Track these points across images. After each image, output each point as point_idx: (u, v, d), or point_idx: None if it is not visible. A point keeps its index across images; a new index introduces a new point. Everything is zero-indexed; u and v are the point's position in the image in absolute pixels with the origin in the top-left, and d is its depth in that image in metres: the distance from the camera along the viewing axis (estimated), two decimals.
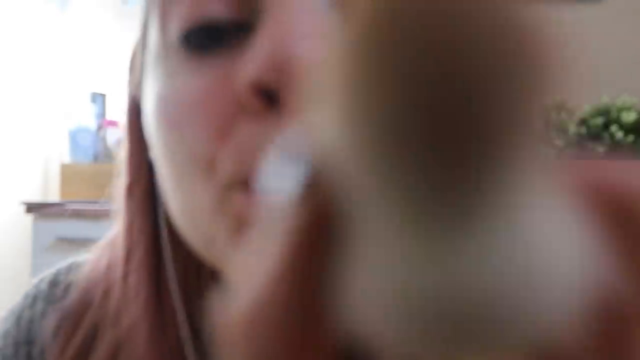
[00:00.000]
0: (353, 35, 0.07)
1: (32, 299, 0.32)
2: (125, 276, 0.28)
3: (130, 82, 0.29)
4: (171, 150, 0.23)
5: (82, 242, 1.35)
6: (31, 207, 1.34)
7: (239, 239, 0.21)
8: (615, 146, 1.34)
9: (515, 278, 0.09)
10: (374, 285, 0.09)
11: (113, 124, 1.68)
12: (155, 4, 0.24)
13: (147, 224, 0.28)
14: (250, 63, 0.19)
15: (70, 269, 0.34)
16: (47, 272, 0.34)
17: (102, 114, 1.72)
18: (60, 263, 0.35)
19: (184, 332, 0.27)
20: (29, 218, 1.42)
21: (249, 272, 0.10)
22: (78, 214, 1.31)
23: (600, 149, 1.33)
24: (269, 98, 0.19)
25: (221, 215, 0.21)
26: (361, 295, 0.09)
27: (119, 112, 1.81)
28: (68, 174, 1.57)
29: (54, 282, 0.33)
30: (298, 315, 0.10)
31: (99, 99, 1.73)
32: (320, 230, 0.10)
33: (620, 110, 1.38)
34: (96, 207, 1.32)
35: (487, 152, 0.07)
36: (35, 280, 0.34)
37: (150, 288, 0.27)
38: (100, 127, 1.66)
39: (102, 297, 0.29)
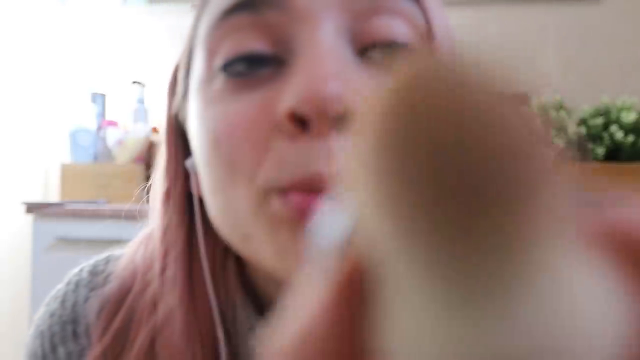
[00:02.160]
0: (380, 133, 0.09)
1: (75, 285, 0.37)
2: (163, 270, 0.32)
3: (170, 102, 0.34)
4: (216, 161, 0.27)
5: (82, 242, 1.36)
6: (31, 207, 1.34)
7: (274, 237, 0.25)
8: (615, 146, 1.34)
9: (550, 339, 0.09)
10: (406, 347, 0.10)
11: (113, 124, 1.68)
12: (203, 42, 0.28)
13: (182, 224, 0.32)
14: (288, 95, 0.24)
15: (108, 260, 0.38)
16: (86, 263, 0.39)
17: (102, 114, 1.72)
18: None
19: (216, 316, 0.31)
20: (29, 218, 1.42)
21: (296, 311, 0.12)
22: (78, 214, 1.31)
23: (600, 149, 1.33)
24: (302, 124, 0.24)
25: (259, 216, 0.26)
26: (394, 353, 0.10)
27: (118, 112, 1.81)
28: (68, 174, 1.57)
29: (94, 272, 0.37)
30: (337, 356, 0.11)
31: (99, 99, 1.73)
32: (355, 286, 0.11)
33: (620, 110, 1.38)
34: (96, 207, 1.32)
35: (505, 223, 0.08)
36: (75, 270, 0.39)
37: (185, 280, 0.31)
38: (100, 127, 1.66)
39: (140, 287, 0.33)
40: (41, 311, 0.38)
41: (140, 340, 0.31)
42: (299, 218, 0.24)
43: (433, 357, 0.10)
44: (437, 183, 0.08)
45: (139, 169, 1.57)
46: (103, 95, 1.74)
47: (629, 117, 1.35)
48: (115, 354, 0.32)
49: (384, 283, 0.10)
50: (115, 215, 1.33)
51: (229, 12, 0.27)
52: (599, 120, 1.37)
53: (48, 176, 1.90)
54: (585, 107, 1.45)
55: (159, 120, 1.78)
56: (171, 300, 0.31)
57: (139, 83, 1.76)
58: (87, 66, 1.93)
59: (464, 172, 0.08)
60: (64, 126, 1.82)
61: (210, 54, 0.28)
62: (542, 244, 0.09)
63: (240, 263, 0.33)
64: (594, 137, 1.37)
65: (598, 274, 0.10)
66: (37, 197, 1.85)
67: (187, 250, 0.32)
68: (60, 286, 0.38)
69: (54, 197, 1.86)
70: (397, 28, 0.26)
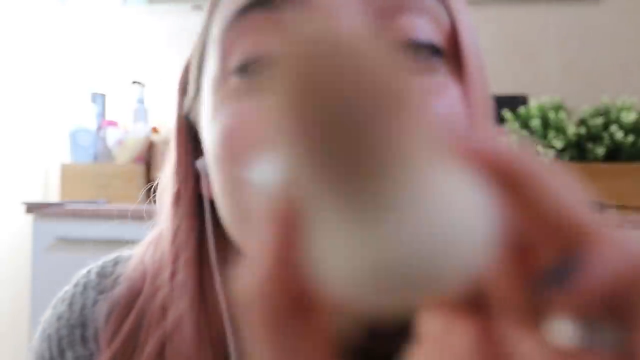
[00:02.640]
0: (284, 100, 0.11)
1: (83, 287, 0.36)
2: (173, 275, 0.31)
3: (180, 101, 0.33)
4: (228, 158, 0.27)
5: (82, 242, 1.37)
6: (31, 207, 1.34)
7: None
8: (615, 146, 1.34)
9: (433, 237, 0.12)
10: (335, 256, 0.13)
11: (113, 124, 1.68)
12: (217, 42, 0.28)
13: (193, 227, 0.32)
14: None
15: (116, 262, 0.38)
16: (93, 264, 0.38)
17: (102, 114, 1.72)
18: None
19: (226, 321, 0.30)
20: (29, 218, 1.43)
21: (256, 249, 0.15)
22: (78, 214, 1.31)
23: (600, 149, 1.33)
24: None
25: None
26: (328, 264, 0.13)
27: (118, 112, 1.81)
28: (68, 174, 1.57)
29: (102, 274, 0.37)
30: (290, 283, 0.14)
31: (99, 99, 1.73)
32: (291, 219, 0.14)
33: (620, 110, 1.38)
34: (96, 207, 1.32)
35: (379, 151, 0.11)
36: (83, 271, 0.38)
37: (196, 284, 0.31)
38: (100, 127, 1.66)
39: (149, 289, 0.33)
40: (48, 313, 0.37)
41: (150, 346, 0.31)
42: None
43: (347, 266, 0.13)
44: (323, 120, 0.11)
45: (139, 169, 1.57)
46: (103, 95, 1.74)
47: (629, 117, 1.35)
48: (125, 359, 0.32)
49: (308, 215, 0.13)
50: (116, 215, 1.33)
51: (244, 11, 0.26)
52: (599, 120, 1.37)
53: (48, 176, 1.90)
54: (585, 107, 1.45)
55: (166, 120, 1.78)
56: (181, 306, 0.31)
57: (139, 83, 1.76)
58: (87, 66, 1.93)
59: (344, 110, 0.11)
60: (64, 126, 1.82)
61: (225, 54, 0.27)
62: (415, 162, 0.12)
63: None
64: (594, 137, 1.37)
65: (470, 183, 0.13)
66: (37, 197, 1.85)
67: (198, 254, 0.31)
68: (67, 288, 0.38)
69: (54, 197, 1.86)
70: (421, 27, 0.26)
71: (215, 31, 0.28)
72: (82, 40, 1.94)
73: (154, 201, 0.36)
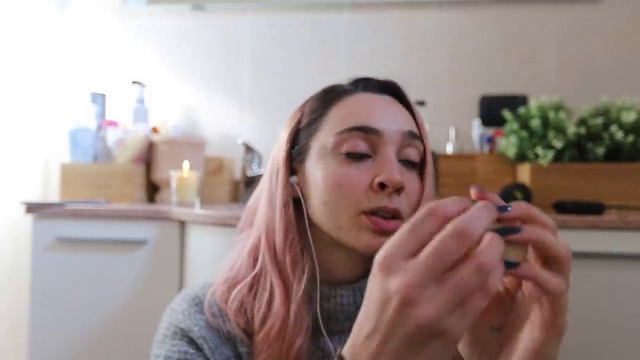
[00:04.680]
0: None
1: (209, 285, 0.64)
2: (283, 248, 0.58)
3: (289, 144, 0.61)
4: (334, 192, 0.55)
5: (82, 242, 1.36)
6: (31, 207, 1.34)
7: (359, 232, 0.54)
8: (615, 146, 1.34)
9: None
10: None
11: (113, 124, 1.68)
12: (331, 134, 0.57)
13: (293, 219, 0.59)
14: (380, 176, 0.54)
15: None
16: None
17: (102, 114, 1.72)
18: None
19: (316, 280, 0.59)
20: (29, 218, 1.42)
21: None
22: (78, 214, 1.31)
23: (600, 149, 1.33)
24: (383, 187, 0.54)
25: (353, 222, 0.55)
26: None
27: (118, 112, 1.81)
28: (68, 174, 1.57)
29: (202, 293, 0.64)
30: None
31: (99, 99, 1.73)
32: None
33: (620, 110, 1.38)
34: (96, 207, 1.32)
35: None
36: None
37: (297, 253, 0.58)
38: (100, 127, 1.66)
39: (263, 257, 0.60)
40: (198, 286, 0.64)
41: (266, 298, 0.58)
42: (374, 227, 0.54)
43: None
44: None
45: (139, 169, 1.57)
46: (103, 95, 1.74)
47: (629, 117, 1.35)
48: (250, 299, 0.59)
49: None
50: (115, 215, 1.33)
51: (351, 129, 0.56)
52: (599, 120, 1.36)
53: (48, 176, 1.90)
54: (585, 107, 1.44)
55: (166, 119, 1.78)
56: (288, 266, 0.58)
57: (139, 83, 1.76)
58: (87, 66, 1.93)
59: None
60: (64, 126, 1.82)
61: (337, 144, 0.56)
62: None
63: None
64: (594, 137, 1.37)
65: None
66: (36, 197, 1.85)
67: (299, 235, 0.59)
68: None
69: (53, 197, 1.86)
70: (413, 153, 0.58)
71: (328, 127, 0.58)
72: (82, 40, 1.94)
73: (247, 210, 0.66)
